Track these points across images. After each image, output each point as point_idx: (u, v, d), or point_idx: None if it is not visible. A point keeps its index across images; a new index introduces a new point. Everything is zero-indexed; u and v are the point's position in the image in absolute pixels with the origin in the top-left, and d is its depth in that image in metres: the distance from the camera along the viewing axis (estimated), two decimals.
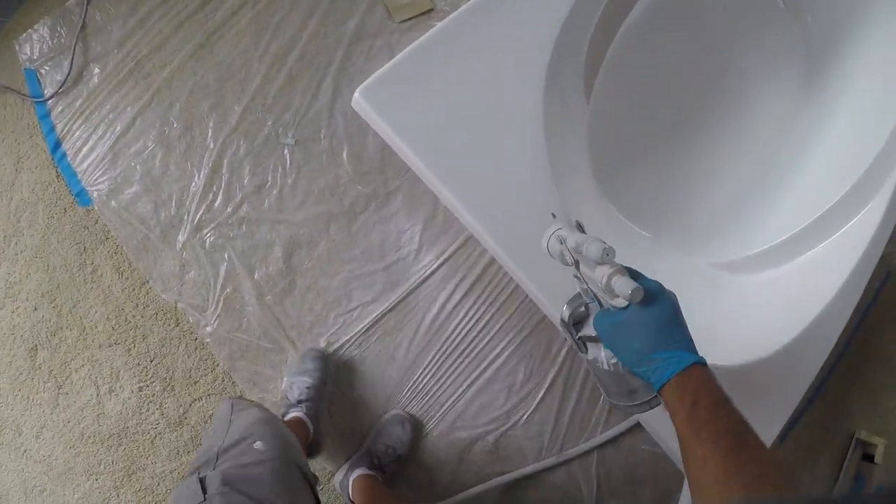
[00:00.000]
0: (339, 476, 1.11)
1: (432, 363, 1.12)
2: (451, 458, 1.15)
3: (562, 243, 0.51)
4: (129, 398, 1.17)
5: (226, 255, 1.12)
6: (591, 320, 0.51)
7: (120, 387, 1.17)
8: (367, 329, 1.11)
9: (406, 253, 1.11)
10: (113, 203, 1.17)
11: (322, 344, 1.12)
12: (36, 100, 1.26)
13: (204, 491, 0.55)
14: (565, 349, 1.16)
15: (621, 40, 1.01)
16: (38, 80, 1.28)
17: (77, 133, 1.22)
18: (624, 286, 0.43)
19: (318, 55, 1.18)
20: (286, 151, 1.12)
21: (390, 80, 0.72)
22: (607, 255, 0.45)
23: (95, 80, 1.23)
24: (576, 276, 0.51)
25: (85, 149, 1.21)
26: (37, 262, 1.22)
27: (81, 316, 1.19)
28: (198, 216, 1.13)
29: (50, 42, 1.29)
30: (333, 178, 1.12)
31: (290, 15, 1.21)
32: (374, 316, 1.11)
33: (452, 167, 0.72)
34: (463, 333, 1.12)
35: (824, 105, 1.06)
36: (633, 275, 0.47)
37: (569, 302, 0.53)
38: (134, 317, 1.16)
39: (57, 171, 1.22)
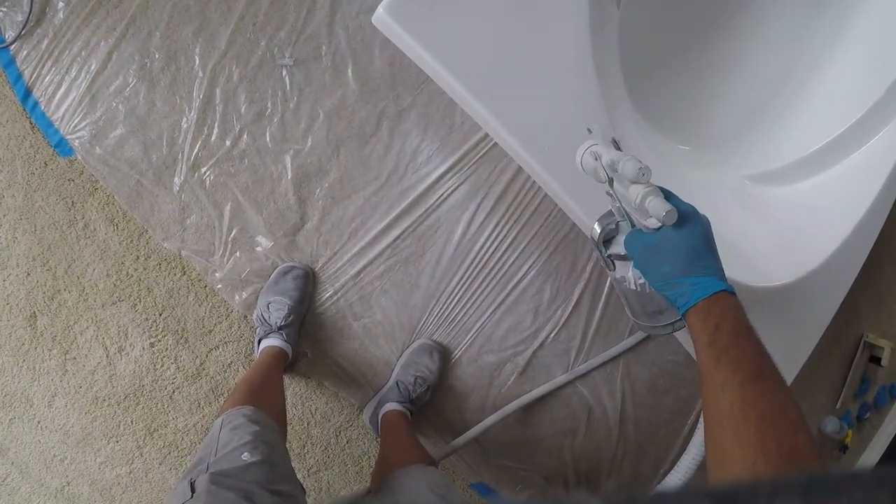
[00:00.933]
0: (367, 411, 1.08)
1: (457, 288, 1.07)
2: (480, 383, 1.11)
3: (596, 159, 0.49)
4: (142, 355, 1.11)
5: (229, 194, 1.05)
6: (621, 238, 0.51)
7: (130, 345, 1.11)
8: (388, 257, 1.05)
9: (424, 174, 1.04)
10: (97, 150, 1.08)
11: (332, 270, 1.06)
12: None
13: (192, 491, 0.58)
14: (591, 263, 1.12)
15: None
16: None
17: (48, 78, 1.11)
18: (658, 207, 0.43)
19: None
20: (284, 73, 1.03)
21: None
22: (643, 175, 0.43)
23: (61, 15, 1.11)
24: (609, 194, 0.50)
25: (59, 94, 1.10)
26: (23, 224, 1.14)
27: (79, 275, 1.12)
28: (194, 154, 1.05)
29: None
30: (339, 99, 1.04)
31: None
32: (392, 240, 1.05)
33: (488, 83, 0.66)
34: (487, 255, 1.07)
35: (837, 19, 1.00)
36: (668, 196, 0.46)
37: (600, 219, 0.53)
38: (136, 270, 1.08)
39: (31, 123, 1.12)
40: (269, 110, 1.04)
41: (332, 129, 1.04)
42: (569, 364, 1.13)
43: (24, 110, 1.13)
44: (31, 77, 1.12)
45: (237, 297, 1.06)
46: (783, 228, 0.90)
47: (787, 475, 0.23)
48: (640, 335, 1.15)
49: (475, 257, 1.07)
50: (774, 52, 1.04)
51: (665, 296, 0.45)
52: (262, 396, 0.83)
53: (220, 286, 1.06)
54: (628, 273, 0.50)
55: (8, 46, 1.14)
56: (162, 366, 1.10)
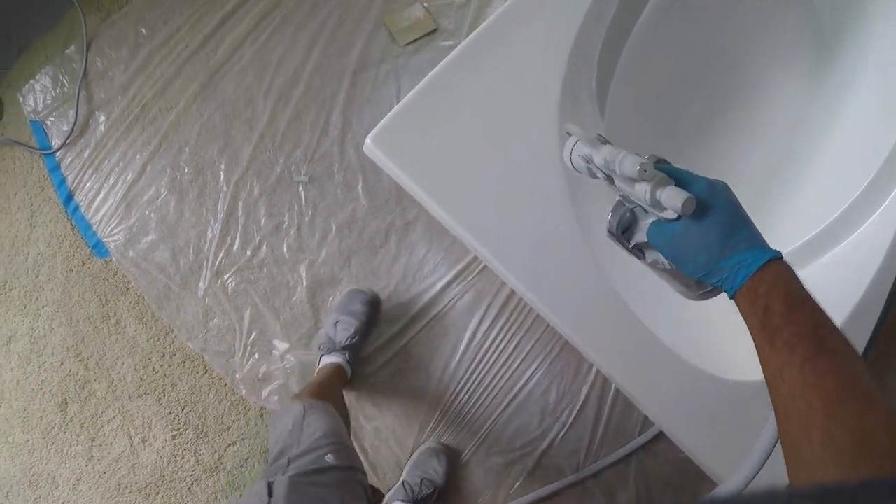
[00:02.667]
0: None
1: (465, 391, 1.12)
2: (489, 485, 1.15)
3: (587, 162, 0.45)
4: (164, 447, 1.17)
5: (249, 299, 1.12)
6: (643, 224, 0.47)
7: (153, 436, 1.18)
8: (399, 362, 1.11)
9: (430, 283, 1.11)
10: (130, 253, 1.17)
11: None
12: (44, 152, 1.26)
13: (269, 495, 0.57)
14: (595, 371, 1.15)
15: (629, 49, 1.00)
16: (45, 131, 1.28)
17: (88, 184, 1.22)
18: (673, 199, 0.38)
19: (324, 88, 1.17)
20: (301, 189, 1.12)
21: (399, 125, 0.71)
22: (645, 171, 0.39)
23: (102, 128, 1.23)
24: (610, 187, 0.46)
25: (98, 199, 1.21)
26: (59, 317, 1.23)
27: (108, 368, 1.20)
28: (217, 261, 1.13)
29: (53, 92, 1.29)
30: (350, 213, 1.12)
31: (291, 48, 1.20)
32: (402, 346, 1.11)
33: (468, 207, 0.71)
34: (493, 359, 1.12)
35: (835, 97, 1.05)
36: (679, 178, 0.41)
37: (613, 210, 0.48)
38: (161, 366, 1.16)
39: (71, 224, 1.23)
40: (286, 223, 1.12)
41: (344, 240, 1.11)
42: (578, 464, 1.16)
43: (66, 212, 1.23)
44: (73, 182, 1.24)
45: (254, 396, 1.13)
46: None
47: (801, 488, 0.21)
48: (652, 431, 1.16)
49: (482, 362, 1.12)
50: (764, 147, 1.06)
51: (710, 283, 0.41)
52: (331, 400, 0.82)
53: (242, 388, 1.13)
54: (659, 256, 0.46)
55: (54, 152, 1.26)
56: (182, 458, 1.16)
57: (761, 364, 0.36)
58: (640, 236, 0.46)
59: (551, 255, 0.74)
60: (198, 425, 1.15)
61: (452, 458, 1.10)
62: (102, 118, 1.24)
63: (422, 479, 1.06)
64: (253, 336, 1.12)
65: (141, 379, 1.18)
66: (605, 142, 0.45)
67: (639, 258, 0.49)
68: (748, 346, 0.39)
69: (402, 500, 1.07)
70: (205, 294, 1.14)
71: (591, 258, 0.73)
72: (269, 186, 1.13)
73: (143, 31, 1.27)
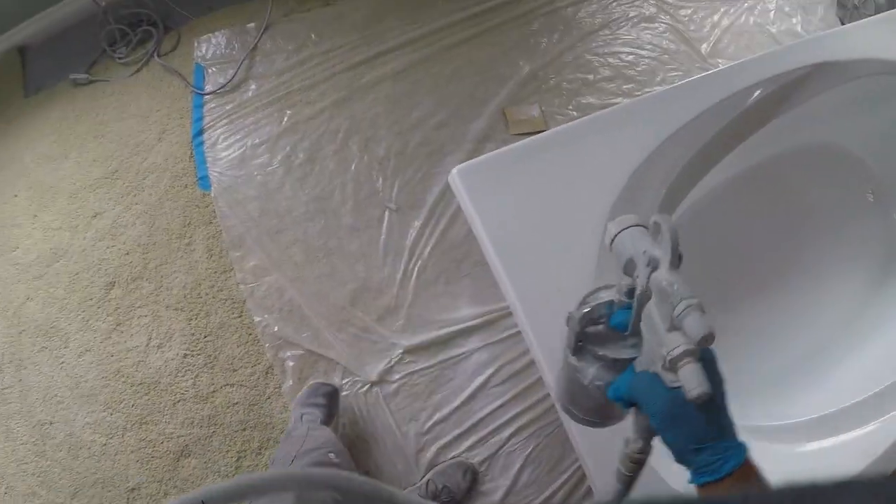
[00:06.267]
0: None
1: (449, 440, 1.27)
2: None
3: (651, 266, 0.40)
4: (172, 359, 1.37)
5: (301, 273, 1.35)
6: (611, 344, 0.44)
7: (168, 346, 1.37)
8: (402, 384, 1.29)
9: (455, 331, 1.32)
10: (228, 196, 1.42)
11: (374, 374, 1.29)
12: (196, 90, 1.54)
13: None
14: (574, 467, 1.26)
15: (698, 200, 1.10)
16: (204, 76, 1.56)
17: (219, 130, 1.49)
18: (692, 381, 0.36)
19: (439, 142, 1.45)
20: (386, 213, 1.37)
21: (484, 169, 0.81)
22: (705, 341, 0.36)
23: (249, 94, 1.51)
24: (620, 292, 0.43)
25: (221, 145, 1.47)
26: (144, 217, 1.46)
27: (163, 275, 1.41)
28: (294, 233, 1.37)
29: (223, 50, 1.58)
30: (420, 247, 1.36)
31: (423, 100, 1.48)
32: (409, 372, 1.30)
33: (517, 260, 0.79)
34: (484, 419, 1.28)
35: (893, 304, 1.11)
36: (703, 327, 0.37)
37: (589, 301, 0.45)
38: (207, 294, 1.37)
39: (191, 153, 1.48)
40: (362, 230, 1.36)
41: (403, 264, 1.35)
42: None
43: (191, 143, 1.49)
44: (207, 122, 1.50)
45: (272, 351, 1.33)
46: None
47: (778, 489, 0.21)
48: None
49: (473, 417, 1.28)
50: (810, 328, 1.12)
51: (685, 461, 0.40)
52: None
53: (265, 340, 1.33)
54: (590, 370, 0.44)
55: (204, 94, 1.54)
56: (183, 376, 1.35)
57: None
58: (605, 351, 0.44)
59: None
60: (210, 355, 1.35)
61: (476, 479, 1.23)
62: (253, 86, 1.52)
63: (444, 486, 1.18)
64: (291, 302, 1.34)
65: (185, 296, 1.39)
66: (677, 257, 0.40)
67: (570, 353, 0.46)
68: None
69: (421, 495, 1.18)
70: (270, 253, 1.36)
71: None
72: (361, 198, 1.38)
73: (313, 36, 1.58)
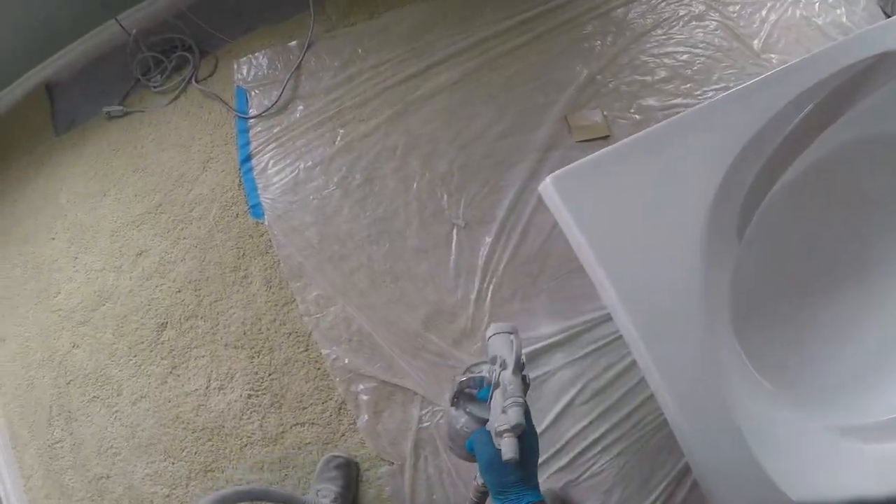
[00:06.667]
0: None
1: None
2: None
3: (500, 366, 0.60)
4: (236, 401, 1.28)
5: (368, 301, 1.27)
6: (478, 394, 0.64)
7: (231, 387, 1.29)
8: None
9: (537, 350, 1.24)
10: (283, 224, 1.35)
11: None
12: (239, 115, 1.48)
13: None
14: (665, 482, 1.21)
15: (777, 194, 1.09)
16: (247, 99, 1.50)
17: (268, 154, 1.42)
18: (507, 449, 0.54)
19: (503, 152, 1.38)
20: (455, 231, 1.30)
21: (578, 175, 0.82)
22: (516, 429, 0.55)
23: (297, 115, 1.45)
24: (489, 373, 0.62)
25: (271, 170, 1.40)
26: (194, 252, 1.39)
27: (219, 312, 1.33)
28: (357, 259, 1.29)
29: (265, 71, 1.52)
30: (494, 264, 1.29)
31: (481, 111, 1.42)
32: None
33: (618, 265, 0.79)
34: (574, 439, 1.20)
35: None
36: (519, 419, 0.56)
37: (471, 371, 0.66)
38: (268, 329, 1.29)
39: (240, 181, 1.41)
40: (429, 251, 1.29)
41: (474, 285, 1.28)
42: None
43: (239, 170, 1.43)
44: (255, 147, 1.44)
45: (344, 385, 1.24)
46: (862, 484, 0.87)
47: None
48: None
49: (565, 440, 1.20)
50: (887, 317, 1.09)
51: (494, 497, 0.57)
52: None
53: (336, 374, 1.25)
54: (462, 419, 0.64)
55: (248, 118, 1.48)
56: (249, 418, 1.26)
57: None
58: (472, 409, 0.64)
59: (676, 331, 0.80)
60: (276, 394, 1.27)
61: None
62: (301, 107, 1.46)
63: None
64: (360, 331, 1.26)
65: (244, 333, 1.31)
66: (520, 367, 0.61)
67: (451, 405, 0.66)
68: None
69: None
70: (334, 281, 1.29)
71: (710, 348, 0.81)
72: (427, 217, 1.31)
73: (360, 51, 1.52)
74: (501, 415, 0.55)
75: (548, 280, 1.30)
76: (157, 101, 1.54)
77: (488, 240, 1.31)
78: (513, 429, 0.54)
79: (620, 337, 1.17)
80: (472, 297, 1.28)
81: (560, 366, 1.26)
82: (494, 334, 0.64)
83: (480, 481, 0.65)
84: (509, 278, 1.30)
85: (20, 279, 1.51)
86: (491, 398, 0.60)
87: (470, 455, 0.64)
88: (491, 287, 1.29)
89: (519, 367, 0.59)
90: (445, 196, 1.33)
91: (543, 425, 1.23)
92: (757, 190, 1.06)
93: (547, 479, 1.21)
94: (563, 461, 1.21)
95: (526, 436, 0.57)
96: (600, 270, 0.79)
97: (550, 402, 1.24)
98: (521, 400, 0.55)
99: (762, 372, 1.07)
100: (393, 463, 1.21)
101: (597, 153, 0.84)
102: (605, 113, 1.44)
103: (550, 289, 1.29)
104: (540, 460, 1.22)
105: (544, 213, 1.35)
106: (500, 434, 0.55)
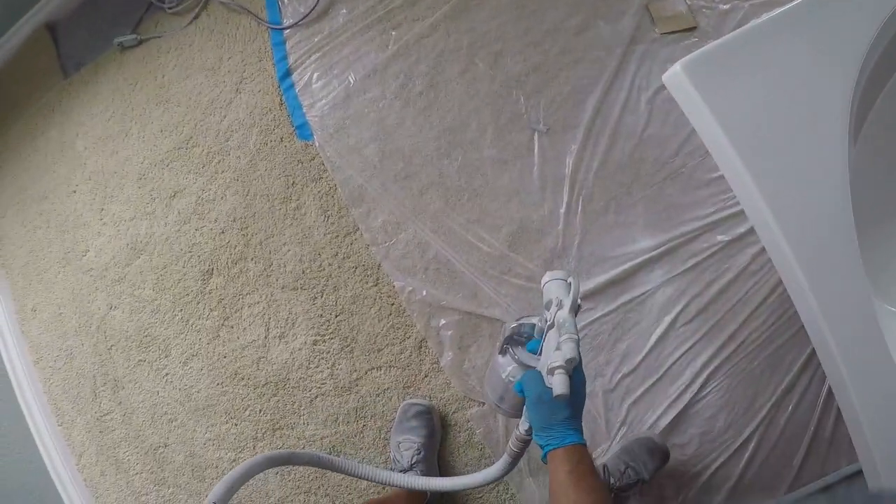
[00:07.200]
0: None
1: (636, 392, 1.04)
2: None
3: (557, 306, 0.58)
4: (300, 349, 1.12)
5: (445, 224, 1.09)
6: (522, 354, 0.63)
7: (293, 335, 1.12)
8: (583, 336, 1.05)
9: (635, 266, 1.06)
10: (336, 143, 1.15)
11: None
12: (272, 26, 1.27)
13: None
14: (770, 404, 1.07)
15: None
16: (279, 7, 1.29)
17: (311, 67, 1.22)
18: (558, 385, 0.53)
19: (582, 49, 1.17)
20: (536, 137, 1.09)
21: (712, 61, 0.72)
22: (569, 363, 0.53)
23: (340, 20, 1.24)
24: (544, 320, 0.61)
25: (316, 84, 1.21)
26: (236, 186, 1.21)
27: (271, 251, 1.16)
28: (428, 177, 1.10)
29: None
30: (582, 172, 1.09)
31: (554, 3, 1.20)
32: (589, 321, 1.05)
33: (760, 158, 0.71)
34: (676, 363, 1.05)
35: None
36: (573, 353, 0.54)
37: (519, 322, 0.66)
38: (330, 265, 1.12)
39: (281, 100, 1.22)
40: (509, 162, 1.09)
41: (561, 195, 1.08)
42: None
43: (279, 87, 1.23)
44: (294, 61, 1.24)
45: (423, 320, 1.07)
46: None
47: None
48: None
49: (667, 365, 1.05)
50: None
51: (537, 433, 0.58)
52: None
53: (413, 308, 1.07)
54: (508, 368, 0.62)
55: (283, 29, 1.27)
56: (317, 366, 1.10)
57: (555, 497, 0.56)
58: (521, 357, 0.63)
59: (832, 252, 0.70)
60: (346, 337, 1.10)
61: (664, 459, 1.02)
62: (343, 11, 1.24)
63: (627, 467, 0.98)
64: (437, 258, 1.07)
65: (303, 272, 1.13)
66: (575, 309, 0.58)
67: (500, 353, 0.65)
68: None
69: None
70: (402, 204, 1.10)
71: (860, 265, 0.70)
72: (502, 124, 1.11)
73: None
74: (555, 352, 0.55)
75: (642, 188, 1.10)
76: (176, 24, 1.34)
77: (574, 147, 1.11)
78: (566, 363, 0.53)
79: (721, 249, 1.12)
80: (562, 210, 1.08)
81: (660, 283, 1.09)
82: (550, 280, 0.62)
83: (523, 429, 0.64)
84: (600, 188, 1.10)
85: (43, 241, 1.35)
86: (544, 340, 0.60)
87: (515, 408, 0.65)
88: (581, 199, 1.09)
89: (575, 307, 0.58)
90: (522, 99, 1.13)
91: (644, 351, 1.07)
92: (875, 78, 0.89)
93: (654, 421, 1.04)
94: (666, 391, 1.06)
95: (577, 374, 0.57)
96: (740, 166, 0.69)
97: (651, 323, 1.08)
98: (575, 336, 0.55)
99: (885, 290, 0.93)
100: (483, 403, 1.05)
101: (729, 35, 0.74)
102: (688, 1, 1.21)
103: (646, 198, 1.09)
104: (641, 388, 1.09)
105: (634, 113, 1.14)
106: (551, 371, 0.54)
